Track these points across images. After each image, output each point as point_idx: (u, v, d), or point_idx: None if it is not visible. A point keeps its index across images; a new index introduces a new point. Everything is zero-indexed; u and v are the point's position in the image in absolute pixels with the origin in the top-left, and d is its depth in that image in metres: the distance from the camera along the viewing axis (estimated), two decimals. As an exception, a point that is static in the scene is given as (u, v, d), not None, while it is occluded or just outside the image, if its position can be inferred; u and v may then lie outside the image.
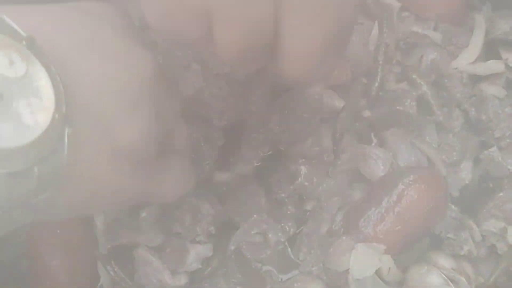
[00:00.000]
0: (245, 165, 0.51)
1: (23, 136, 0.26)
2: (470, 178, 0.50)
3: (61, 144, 0.27)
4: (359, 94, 0.52)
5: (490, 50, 0.52)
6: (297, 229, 0.49)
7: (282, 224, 0.47)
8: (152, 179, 0.36)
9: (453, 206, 0.49)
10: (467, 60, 0.51)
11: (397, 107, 0.51)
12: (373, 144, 0.51)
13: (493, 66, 0.50)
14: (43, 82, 0.27)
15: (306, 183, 0.50)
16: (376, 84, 0.51)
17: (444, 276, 0.45)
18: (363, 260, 0.46)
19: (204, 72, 0.50)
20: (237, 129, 0.52)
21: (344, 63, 0.51)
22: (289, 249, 0.49)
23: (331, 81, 0.51)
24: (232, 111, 0.49)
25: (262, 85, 0.51)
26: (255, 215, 0.46)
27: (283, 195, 0.49)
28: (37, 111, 0.26)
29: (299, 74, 0.32)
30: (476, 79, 0.52)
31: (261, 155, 0.52)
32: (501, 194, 0.47)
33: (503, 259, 0.45)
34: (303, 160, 0.50)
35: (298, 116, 0.50)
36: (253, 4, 0.28)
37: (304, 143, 0.51)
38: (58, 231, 0.46)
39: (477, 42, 0.50)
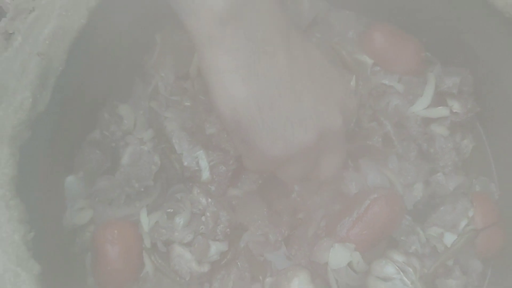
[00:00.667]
0: (252, 184, 0.67)
1: None
2: (421, 195, 0.65)
3: None
4: (340, 131, 0.68)
5: (439, 99, 0.67)
6: (291, 232, 0.65)
7: (280, 228, 0.63)
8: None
9: (407, 217, 0.64)
10: (421, 106, 0.66)
11: (368, 142, 0.67)
12: (349, 169, 0.68)
13: (441, 111, 0.66)
14: None
15: (298, 199, 0.65)
16: (352, 124, 0.67)
17: (397, 267, 0.60)
18: (339, 255, 0.62)
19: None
20: (247, 157, 0.68)
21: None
22: (284, 247, 0.65)
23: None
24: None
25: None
26: (259, 221, 0.62)
27: (280, 207, 0.65)
28: None
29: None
30: (428, 121, 0.66)
31: (264, 177, 0.68)
32: (442, 208, 0.63)
33: (441, 256, 0.61)
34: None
35: (293, 147, 0.66)
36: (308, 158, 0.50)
37: (298, 167, 0.67)
38: (115, 231, 0.62)
39: (429, 93, 0.66)
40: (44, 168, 0.57)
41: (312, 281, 0.61)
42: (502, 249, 0.62)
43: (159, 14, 0.65)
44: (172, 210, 0.62)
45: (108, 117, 0.66)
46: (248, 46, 0.44)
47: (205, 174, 0.63)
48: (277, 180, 0.66)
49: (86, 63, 0.59)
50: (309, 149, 0.50)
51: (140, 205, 0.63)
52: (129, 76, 0.69)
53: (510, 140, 0.64)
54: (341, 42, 0.70)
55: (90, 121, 0.66)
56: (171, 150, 0.64)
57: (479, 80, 0.66)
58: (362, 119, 0.68)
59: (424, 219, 0.64)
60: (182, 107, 0.67)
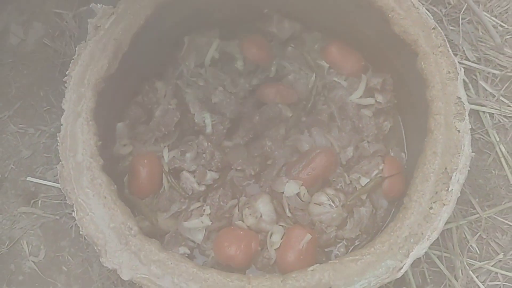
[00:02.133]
0: (240, 139, 0.99)
1: None
2: (351, 155, 0.96)
3: None
4: (301, 109, 1.00)
5: (369, 92, 0.98)
6: (261, 172, 0.96)
7: (253, 166, 0.94)
8: None
9: (340, 168, 0.95)
10: (356, 96, 0.98)
11: (319, 117, 0.98)
12: (304, 134, 0.99)
13: (368, 100, 0.97)
14: None
15: (269, 150, 0.97)
16: (309, 105, 0.99)
17: (328, 197, 0.91)
18: (291, 188, 0.91)
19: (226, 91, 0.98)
20: (237, 120, 1.00)
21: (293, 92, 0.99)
22: (255, 180, 0.97)
23: (287, 100, 0.99)
24: (236, 111, 0.97)
25: (251, 101, 1.00)
26: (240, 160, 0.94)
27: (256, 154, 0.96)
28: None
29: None
30: (360, 107, 0.98)
31: (248, 135, 1.00)
32: (362, 161, 0.94)
33: (357, 192, 0.91)
34: (269, 139, 0.98)
35: (269, 117, 0.97)
36: None
37: (271, 131, 0.98)
38: (146, 159, 0.94)
39: (361, 88, 0.97)
40: (107, 112, 0.91)
41: (271, 202, 0.92)
42: (401, 194, 0.92)
43: (188, 24, 0.99)
44: (184, 149, 0.94)
45: (148, 88, 1.00)
46: None
47: (208, 128, 0.95)
48: (256, 138, 0.99)
49: (140, 50, 0.93)
50: None
51: (163, 145, 0.96)
52: (165, 63, 1.03)
53: (415, 123, 0.94)
54: (308, 51, 1.03)
55: (136, 89, 1.00)
56: (187, 111, 0.97)
57: (396, 82, 0.97)
58: (317, 103, 1.00)
59: (350, 169, 0.95)
60: (197, 86, 1.01)
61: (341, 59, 1.01)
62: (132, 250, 0.73)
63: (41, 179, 1.06)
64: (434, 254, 1.00)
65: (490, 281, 0.99)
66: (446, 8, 1.21)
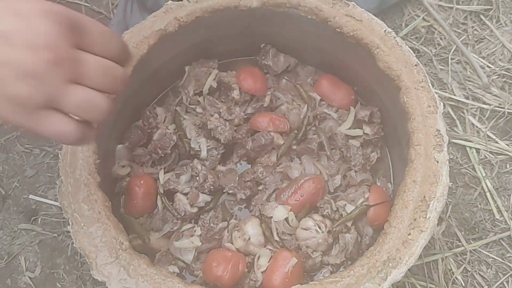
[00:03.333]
0: (233, 164, 1.04)
1: None
2: (339, 183, 1.00)
3: None
4: (292, 138, 1.05)
5: (358, 124, 1.03)
6: (252, 196, 1.00)
7: (244, 191, 0.98)
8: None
9: (328, 195, 0.99)
10: (345, 127, 1.03)
11: (309, 146, 1.03)
12: (294, 162, 1.03)
13: (356, 132, 1.02)
14: None
15: (260, 176, 1.01)
16: (300, 134, 1.04)
17: (314, 222, 0.94)
18: (280, 213, 0.95)
19: (221, 118, 1.04)
20: (231, 146, 1.05)
21: (286, 121, 1.04)
22: (246, 205, 1.01)
23: (279, 129, 1.04)
24: (230, 137, 1.02)
25: (245, 129, 1.05)
26: (232, 184, 0.98)
27: (247, 179, 1.00)
28: None
29: None
30: (348, 137, 1.02)
31: (241, 160, 1.05)
32: (348, 190, 0.98)
33: (342, 219, 0.94)
34: (260, 165, 1.02)
35: (261, 144, 1.02)
36: None
37: (263, 157, 1.03)
38: (142, 180, 0.99)
39: (350, 120, 1.02)
40: (109, 134, 0.96)
41: (259, 225, 0.95)
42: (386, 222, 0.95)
43: (188, 55, 1.06)
44: (179, 172, 0.99)
45: (148, 113, 1.06)
46: None
47: (203, 153, 1.00)
48: (249, 163, 1.04)
49: (140, 78, 0.99)
50: None
51: (160, 167, 1.01)
52: (165, 90, 1.09)
53: (401, 155, 0.98)
54: (301, 84, 1.09)
55: (137, 114, 1.05)
56: (184, 136, 1.02)
57: (383, 115, 1.02)
58: (308, 132, 1.05)
59: (337, 197, 0.98)
60: (195, 113, 1.06)
61: (332, 92, 1.06)
62: (122, 264, 0.76)
63: (42, 197, 1.11)
64: (420, 285, 1.02)
65: (474, 314, 1.01)
66: (436, 48, 1.27)
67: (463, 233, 1.07)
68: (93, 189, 0.81)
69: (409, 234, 0.78)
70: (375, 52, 0.91)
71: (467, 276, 1.04)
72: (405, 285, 1.03)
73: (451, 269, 1.03)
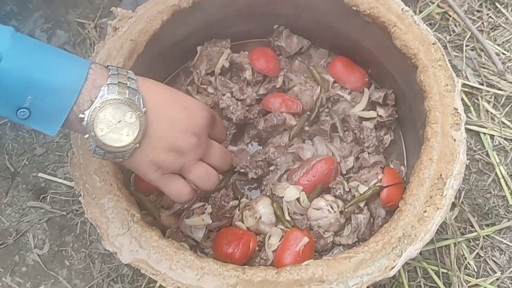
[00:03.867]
0: (244, 145, 1.04)
1: (121, 143, 0.62)
2: (352, 165, 0.99)
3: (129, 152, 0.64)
4: (304, 119, 1.03)
5: (371, 106, 1.03)
6: (264, 175, 0.99)
7: (256, 170, 0.97)
8: None
9: (340, 176, 0.98)
10: (359, 109, 1.02)
11: (322, 127, 1.02)
12: (306, 143, 1.02)
13: (370, 113, 1.01)
14: (136, 127, 0.62)
15: (272, 156, 1.00)
16: (313, 115, 1.03)
17: (326, 202, 0.93)
18: (291, 192, 0.94)
19: (233, 98, 1.03)
20: (242, 127, 1.04)
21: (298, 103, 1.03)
22: (256, 185, 1.00)
23: (291, 110, 1.03)
24: (242, 117, 1.01)
25: (257, 109, 1.04)
26: (243, 163, 0.97)
27: (259, 159, 0.99)
28: (129, 135, 0.63)
29: None
30: (362, 119, 1.02)
31: (252, 141, 1.04)
32: (361, 171, 0.96)
33: (355, 199, 0.93)
34: (272, 145, 1.01)
35: (273, 125, 1.01)
36: None
37: (275, 138, 1.02)
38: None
39: (364, 101, 1.01)
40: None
41: (271, 205, 0.94)
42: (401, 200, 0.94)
43: (201, 34, 1.05)
44: (190, 151, 0.98)
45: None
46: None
47: (215, 133, 1.00)
48: (261, 144, 1.03)
49: (152, 55, 0.98)
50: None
51: (171, 146, 1.00)
52: (177, 70, 1.09)
53: (415, 138, 0.97)
54: (315, 66, 1.08)
55: (148, 93, 1.05)
56: (195, 115, 1.01)
57: (398, 97, 1.01)
58: (321, 114, 1.04)
59: (349, 178, 0.97)
60: (207, 93, 1.05)
61: (345, 74, 1.05)
62: (133, 235, 0.76)
63: (51, 176, 1.10)
64: (432, 270, 1.00)
65: (487, 299, 0.99)
66: (450, 35, 1.26)
67: (476, 219, 1.05)
68: (105, 161, 0.81)
69: (425, 211, 0.77)
70: (392, 30, 0.89)
71: (480, 261, 1.02)
72: (417, 270, 1.01)
73: (464, 255, 1.02)
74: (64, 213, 1.07)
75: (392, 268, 0.73)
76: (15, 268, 1.03)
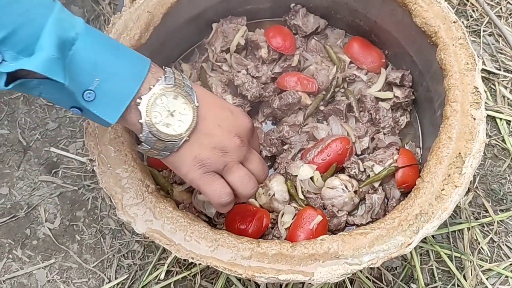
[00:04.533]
0: (258, 123, 1.03)
1: (174, 132, 0.64)
2: (367, 145, 0.98)
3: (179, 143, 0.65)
4: (320, 99, 1.02)
5: (388, 87, 1.02)
6: (277, 154, 0.98)
7: (270, 148, 0.96)
8: None
9: (355, 156, 0.97)
10: (375, 89, 1.01)
11: (337, 106, 1.01)
12: (321, 122, 1.01)
13: (387, 94, 1.00)
14: (189, 119, 0.65)
15: (286, 135, 0.99)
16: (329, 95, 1.02)
17: (340, 181, 0.92)
18: (305, 171, 0.94)
19: (249, 75, 1.02)
20: (257, 106, 1.03)
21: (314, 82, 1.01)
22: (270, 164, 0.99)
23: (307, 89, 1.01)
24: (257, 94, 1.00)
25: (272, 87, 1.03)
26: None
27: (273, 137, 0.98)
28: (181, 126, 0.65)
29: None
30: (378, 100, 1.01)
31: (266, 120, 1.03)
32: (376, 151, 0.95)
33: (370, 179, 0.92)
34: (287, 124, 1.00)
35: (288, 103, 1.00)
36: None
37: (289, 117, 1.02)
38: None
39: (381, 81, 1.00)
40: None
41: (284, 183, 0.93)
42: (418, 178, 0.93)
43: (217, 11, 1.04)
44: (204, 127, 0.97)
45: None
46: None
47: (229, 110, 0.99)
48: (275, 122, 1.02)
49: (168, 31, 0.98)
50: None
51: (185, 122, 0.99)
52: (191, 48, 1.08)
53: (432, 121, 0.96)
54: (331, 45, 1.06)
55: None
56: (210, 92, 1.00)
57: (415, 78, 1.00)
58: (337, 94, 1.02)
59: (364, 158, 0.96)
60: (222, 71, 1.04)
61: (362, 54, 1.04)
62: (148, 206, 0.75)
63: (63, 151, 1.10)
64: (445, 253, 0.99)
65: (500, 285, 0.98)
66: (468, 20, 1.24)
67: (490, 204, 1.04)
68: (120, 132, 0.80)
69: (443, 189, 0.76)
70: (412, 8, 0.88)
71: (493, 246, 1.01)
72: (429, 253, 1.00)
73: (477, 239, 1.01)
74: (76, 188, 1.07)
75: (409, 244, 0.72)
76: (26, 241, 1.03)
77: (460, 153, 0.77)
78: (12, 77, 0.54)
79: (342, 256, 0.72)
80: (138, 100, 0.61)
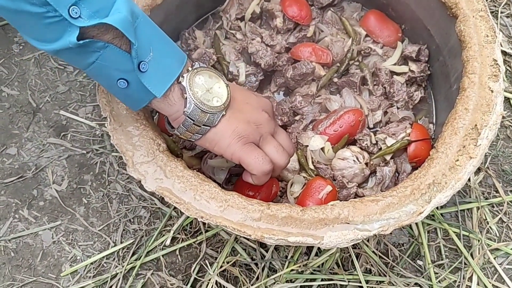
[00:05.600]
0: (270, 93, 1.02)
1: (213, 104, 0.71)
2: (380, 119, 0.97)
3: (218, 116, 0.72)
4: (334, 71, 1.01)
5: (404, 61, 1.00)
6: (289, 124, 0.97)
7: (281, 117, 0.95)
8: None
9: (367, 129, 0.96)
10: (390, 63, 0.99)
11: (351, 79, 1.00)
12: (334, 94, 1.00)
13: (402, 68, 0.98)
14: (224, 95, 0.72)
15: (298, 105, 0.98)
16: (343, 67, 1.01)
17: (352, 153, 0.91)
18: (316, 142, 0.93)
19: (263, 43, 1.01)
20: (269, 76, 1.02)
21: (328, 53, 1.00)
22: (283, 132, 0.98)
23: (321, 61, 1.00)
24: (271, 63, 0.99)
25: (286, 57, 1.01)
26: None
27: (285, 107, 0.98)
28: (218, 101, 0.72)
29: None
30: (393, 73, 1.00)
31: (279, 90, 1.02)
32: (389, 125, 0.94)
33: (382, 151, 0.91)
34: (299, 94, 0.99)
35: (302, 73, 0.99)
36: None
37: (302, 88, 1.01)
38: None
39: (396, 55, 0.99)
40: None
41: (295, 152, 0.93)
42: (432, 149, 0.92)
43: (233, -22, 1.03)
44: (216, 94, 0.97)
45: (187, 35, 1.03)
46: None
47: (242, 78, 0.98)
48: (287, 93, 1.01)
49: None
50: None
51: (196, 88, 0.98)
52: (206, 15, 1.06)
53: (446, 96, 0.95)
54: (347, 18, 1.05)
55: (176, 36, 1.03)
56: (223, 59, 0.99)
57: (431, 54, 0.98)
58: (351, 67, 1.01)
59: (376, 131, 0.95)
60: (235, 39, 1.03)
61: (378, 28, 1.02)
62: (158, 164, 0.74)
63: (73, 114, 1.09)
64: (453, 231, 0.99)
65: (507, 265, 0.97)
66: (486, 1, 1.22)
67: (501, 184, 1.03)
68: (133, 90, 0.79)
69: (457, 160, 0.75)
70: (433, -22, 0.86)
71: (502, 227, 1.00)
72: (437, 231, 1.00)
73: (486, 219, 1.00)
74: (84, 152, 1.06)
75: (421, 213, 0.72)
76: (33, 201, 1.02)
77: (476, 125, 0.76)
78: (80, 36, 0.58)
79: (352, 222, 0.71)
80: (180, 79, 0.69)
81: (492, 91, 0.78)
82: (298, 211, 0.72)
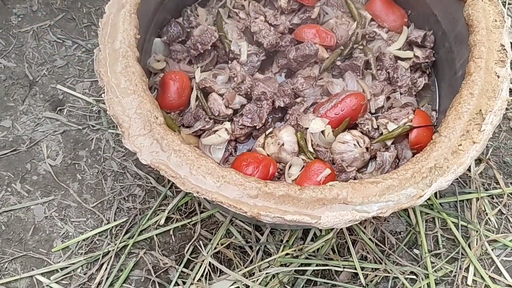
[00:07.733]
0: (272, 74, 1.00)
1: None
2: (382, 104, 0.95)
3: None
4: (337, 54, 0.99)
5: (409, 47, 0.99)
6: (290, 106, 0.96)
7: (282, 98, 0.94)
8: None
9: (369, 114, 0.94)
10: (395, 48, 0.98)
11: (354, 63, 0.98)
12: (337, 77, 0.99)
13: (407, 53, 0.97)
14: None
15: (300, 87, 0.96)
16: (347, 50, 0.99)
17: (352, 137, 0.90)
18: (316, 125, 0.91)
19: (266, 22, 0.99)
20: (271, 56, 1.00)
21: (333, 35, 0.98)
22: (281, 115, 0.96)
23: (325, 43, 0.98)
24: (273, 42, 0.97)
25: (289, 38, 1.00)
26: (271, 91, 0.94)
27: (287, 88, 0.96)
28: None
29: None
30: (398, 58, 0.98)
31: (281, 71, 1.00)
32: (391, 110, 0.93)
33: (383, 136, 0.90)
34: (301, 76, 0.98)
35: (305, 55, 0.97)
36: None
37: (304, 70, 0.99)
38: (178, 75, 0.94)
39: (401, 40, 0.97)
40: (147, 25, 0.91)
41: (294, 134, 0.91)
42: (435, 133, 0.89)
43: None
44: (217, 73, 0.95)
45: (190, 12, 1.01)
46: None
47: (243, 57, 0.96)
48: (289, 74, 0.99)
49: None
50: None
51: (196, 66, 0.96)
52: (209, -8, 1.05)
53: (450, 82, 0.93)
54: (353, 1, 1.03)
55: (178, 12, 1.01)
56: (225, 37, 0.97)
57: (437, 40, 0.96)
58: (355, 50, 0.99)
59: (378, 116, 0.94)
60: (238, 18, 1.01)
61: (384, 12, 1.00)
62: (155, 137, 0.73)
63: (70, 89, 1.07)
64: (451, 221, 0.97)
65: (505, 257, 0.96)
66: (494, -9, 1.20)
67: (502, 176, 1.02)
68: (132, 62, 0.77)
69: (460, 144, 0.73)
70: (442, -40, 0.85)
71: (501, 218, 0.99)
72: (435, 220, 0.98)
73: (485, 210, 0.99)
74: (80, 127, 1.05)
75: (421, 196, 0.70)
76: (26, 175, 1.01)
77: (481, 110, 0.75)
78: None
79: (351, 203, 0.70)
80: None
81: (498, 77, 0.76)
82: (296, 190, 0.70)
